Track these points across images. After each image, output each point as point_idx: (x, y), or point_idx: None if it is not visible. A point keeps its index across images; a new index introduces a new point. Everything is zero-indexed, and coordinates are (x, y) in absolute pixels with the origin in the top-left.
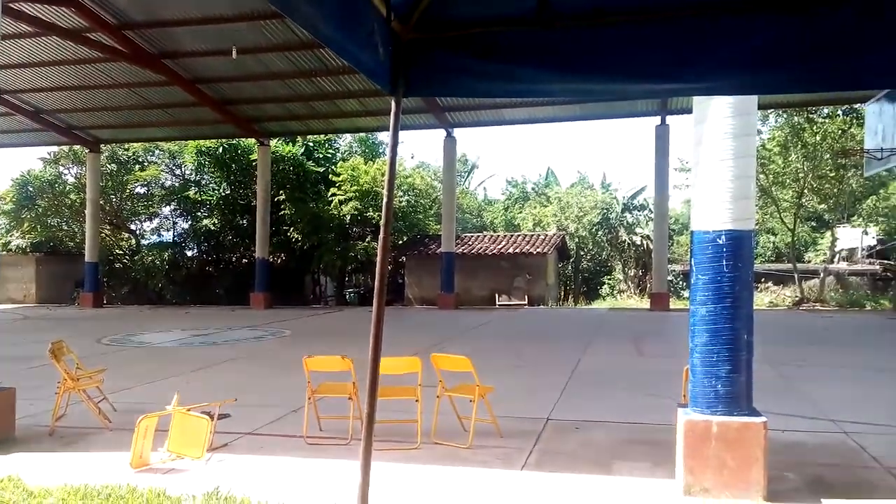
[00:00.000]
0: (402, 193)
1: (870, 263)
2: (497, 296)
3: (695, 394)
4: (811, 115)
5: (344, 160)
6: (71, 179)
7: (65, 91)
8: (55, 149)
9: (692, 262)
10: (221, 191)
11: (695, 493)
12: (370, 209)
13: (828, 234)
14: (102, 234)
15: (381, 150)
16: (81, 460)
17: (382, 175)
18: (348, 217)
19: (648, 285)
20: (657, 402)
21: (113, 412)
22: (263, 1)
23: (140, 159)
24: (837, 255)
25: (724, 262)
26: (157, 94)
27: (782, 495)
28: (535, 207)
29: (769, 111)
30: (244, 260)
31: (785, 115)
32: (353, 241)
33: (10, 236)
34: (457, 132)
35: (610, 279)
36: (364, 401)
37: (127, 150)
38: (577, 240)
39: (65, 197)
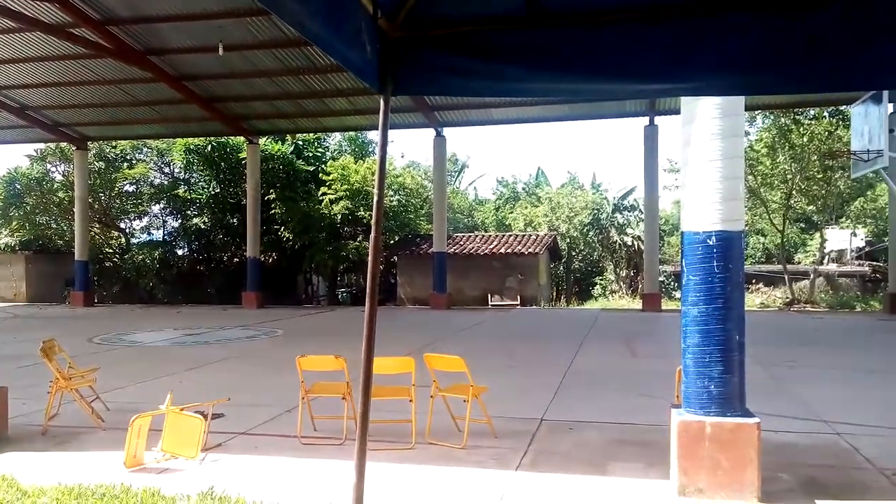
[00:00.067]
0: (392, 193)
1: (859, 265)
2: (489, 296)
3: (688, 394)
4: (798, 117)
5: (334, 159)
6: (59, 177)
7: (50, 87)
8: (42, 146)
9: (683, 263)
10: (211, 189)
11: (689, 494)
12: (361, 208)
13: (817, 235)
14: (92, 233)
15: (371, 149)
16: (75, 460)
17: (373, 174)
18: (339, 216)
19: (640, 286)
20: (650, 402)
21: (106, 411)
22: None
23: (128, 157)
24: (827, 257)
25: (715, 263)
26: (143, 90)
27: (776, 496)
28: (525, 207)
29: (756, 112)
30: (235, 259)
31: (772, 117)
32: (344, 240)
33: None
34: (446, 131)
35: (602, 280)
36: (358, 401)
37: (114, 147)
38: (568, 240)
39: (53, 195)
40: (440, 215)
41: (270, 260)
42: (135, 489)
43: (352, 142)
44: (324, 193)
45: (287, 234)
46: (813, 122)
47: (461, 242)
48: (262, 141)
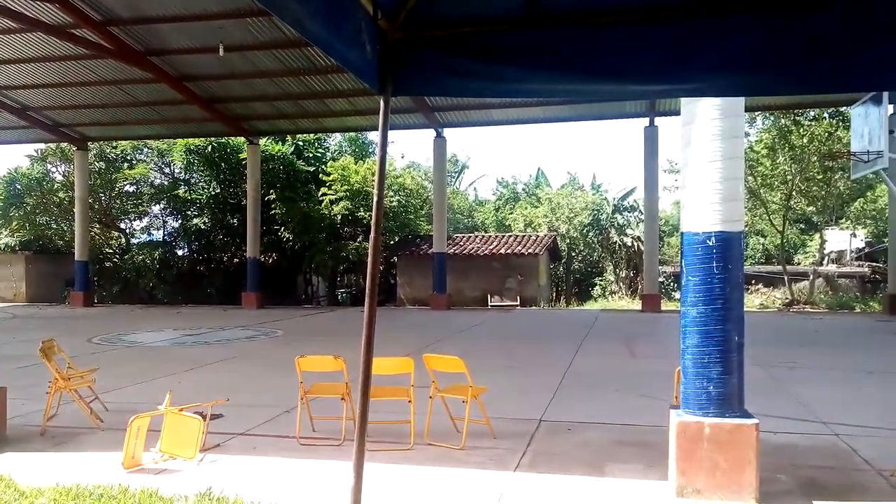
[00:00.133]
0: (392, 193)
1: (858, 266)
2: (489, 296)
3: (687, 395)
4: (798, 118)
5: (334, 160)
6: (59, 177)
7: (51, 88)
8: (42, 146)
9: (682, 264)
10: (211, 190)
11: (687, 495)
12: (361, 209)
13: (816, 236)
14: (92, 233)
15: (371, 150)
16: (73, 460)
17: (373, 175)
18: (339, 217)
19: (640, 286)
20: (649, 403)
21: (105, 412)
22: None
23: (128, 157)
24: (826, 258)
25: (715, 264)
26: (144, 91)
27: (775, 497)
28: (525, 208)
29: (756, 113)
30: (235, 259)
31: (772, 118)
32: (344, 241)
33: None
34: (447, 132)
35: (601, 280)
36: (357, 401)
37: (115, 148)
38: (568, 241)
39: (53, 195)
40: (440, 216)
41: (270, 260)
42: (133, 490)
43: (352, 142)
44: (324, 194)
45: (287, 234)
46: (813, 123)
47: (461, 243)
48: (262, 141)
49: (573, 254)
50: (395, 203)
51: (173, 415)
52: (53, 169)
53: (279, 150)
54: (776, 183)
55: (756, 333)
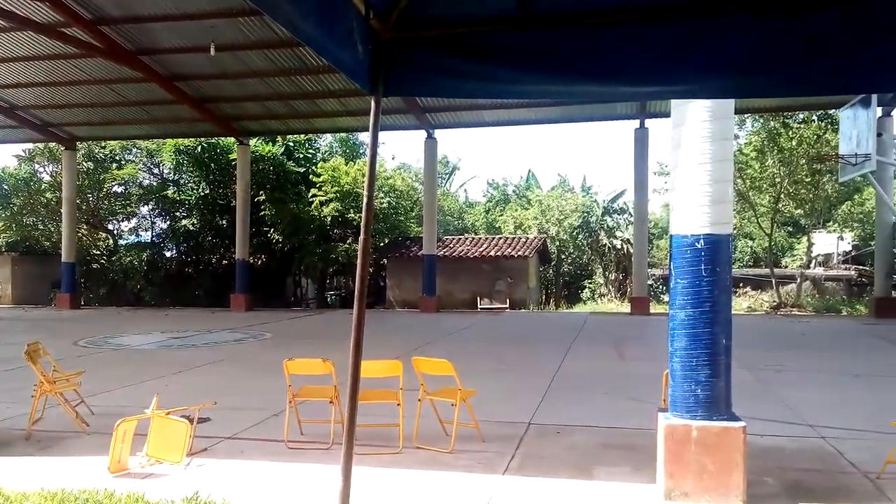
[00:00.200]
0: (382, 195)
1: (845, 269)
2: (479, 299)
3: (675, 398)
4: (787, 121)
5: (324, 160)
6: (46, 178)
7: (40, 87)
8: (30, 146)
9: (671, 267)
10: (200, 190)
11: (675, 498)
12: (351, 210)
13: (804, 239)
14: (79, 234)
15: (362, 151)
16: (58, 465)
17: (363, 176)
18: (329, 218)
19: (629, 289)
20: (638, 406)
21: (90, 416)
22: None
23: (117, 158)
24: (814, 261)
25: (703, 267)
26: (133, 91)
27: (761, 500)
28: (515, 210)
29: (745, 116)
30: (224, 261)
31: (761, 120)
32: (334, 242)
33: None
34: (438, 133)
35: (591, 283)
36: (345, 404)
37: (104, 148)
38: (557, 243)
39: (40, 195)
40: (430, 218)
41: (259, 262)
42: (118, 494)
43: (343, 143)
44: (314, 195)
45: (276, 235)
46: (802, 126)
47: (451, 245)
48: (252, 142)
49: (563, 256)
50: (385, 205)
51: (160, 418)
52: (41, 169)
53: (269, 150)
54: (765, 185)
55: (744, 336)
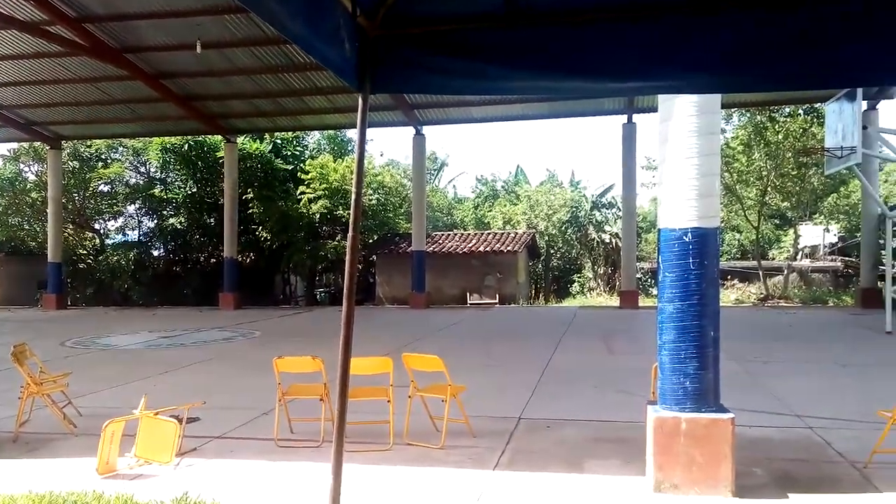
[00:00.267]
0: (371, 192)
1: (831, 260)
2: (468, 294)
3: (663, 391)
4: (773, 115)
5: (313, 158)
6: (32, 177)
7: (24, 86)
8: (15, 145)
9: (660, 260)
10: (188, 189)
11: (665, 490)
12: (340, 207)
13: (791, 231)
14: (65, 234)
15: (350, 148)
16: (46, 467)
17: (352, 173)
18: (318, 215)
19: (618, 283)
20: (627, 399)
21: (78, 417)
22: None
23: (103, 156)
24: (800, 253)
25: (691, 260)
26: (119, 89)
27: (750, 491)
28: (504, 206)
29: (732, 110)
30: (212, 259)
31: (748, 115)
32: (322, 240)
33: None
34: (426, 130)
35: (580, 277)
36: (335, 402)
37: (89, 146)
38: (546, 238)
39: (25, 195)
40: (419, 214)
41: (248, 260)
42: (107, 496)
43: (331, 140)
44: (302, 192)
45: (265, 233)
46: (788, 120)
47: (440, 241)
48: (240, 140)
49: (552, 251)
50: (373, 201)
51: (148, 419)
52: (26, 168)
53: (257, 148)
54: (751, 179)
55: (731, 328)
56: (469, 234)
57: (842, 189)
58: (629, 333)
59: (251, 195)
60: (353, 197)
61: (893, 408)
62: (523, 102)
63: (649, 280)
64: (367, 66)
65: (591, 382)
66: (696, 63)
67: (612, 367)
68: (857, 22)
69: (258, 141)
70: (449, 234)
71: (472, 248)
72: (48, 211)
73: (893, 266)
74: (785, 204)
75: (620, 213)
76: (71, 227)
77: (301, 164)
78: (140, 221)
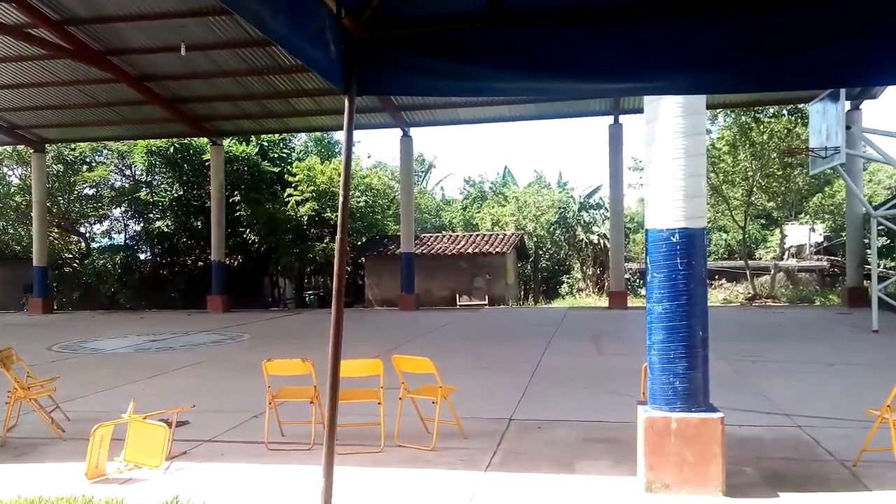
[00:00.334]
0: (359, 194)
1: (818, 260)
2: (457, 296)
3: (653, 391)
4: (758, 115)
5: (300, 160)
6: (15, 181)
7: (7, 89)
8: None
9: (648, 261)
10: (174, 192)
11: (656, 490)
12: (328, 210)
13: (777, 231)
14: (50, 238)
15: (337, 150)
16: (35, 472)
17: (339, 175)
18: (306, 218)
19: (606, 283)
20: (617, 399)
21: (66, 421)
22: None
23: (88, 160)
24: (787, 252)
25: (679, 260)
26: (103, 92)
27: (740, 490)
28: (493, 207)
29: (718, 111)
30: (200, 262)
31: (733, 115)
32: (311, 242)
33: None
34: (413, 131)
35: (569, 278)
36: (326, 404)
37: (73, 150)
38: (535, 239)
39: (9, 199)
40: (407, 216)
41: (236, 263)
42: (97, 500)
43: (318, 142)
44: (290, 195)
45: (253, 236)
46: (772, 120)
47: (429, 243)
48: (226, 142)
49: (540, 252)
50: (361, 203)
51: (137, 423)
52: (10, 172)
53: (243, 150)
54: (737, 179)
55: (720, 328)
56: (457, 235)
57: (827, 189)
58: (618, 334)
59: (238, 198)
60: (341, 199)
61: (882, 406)
62: (510, 104)
63: (638, 280)
64: (353, 68)
65: (581, 383)
66: (680, 63)
67: (602, 368)
68: (840, 23)
69: (244, 143)
70: (437, 236)
71: (461, 250)
72: (33, 214)
73: (879, 265)
74: (771, 204)
75: (608, 214)
76: (56, 230)
77: (288, 167)
78: (126, 225)
